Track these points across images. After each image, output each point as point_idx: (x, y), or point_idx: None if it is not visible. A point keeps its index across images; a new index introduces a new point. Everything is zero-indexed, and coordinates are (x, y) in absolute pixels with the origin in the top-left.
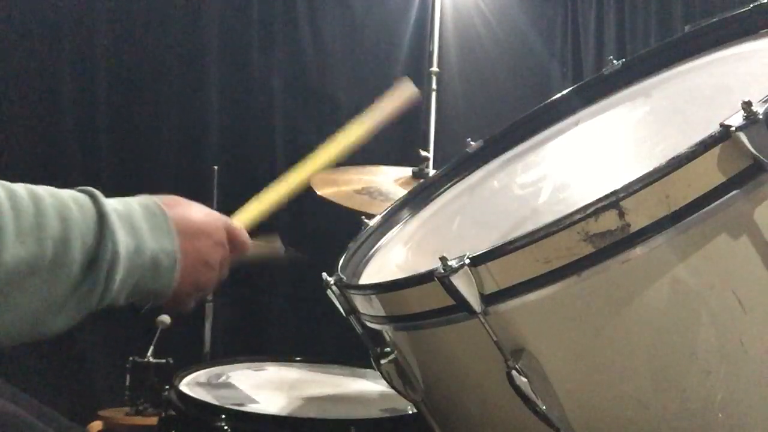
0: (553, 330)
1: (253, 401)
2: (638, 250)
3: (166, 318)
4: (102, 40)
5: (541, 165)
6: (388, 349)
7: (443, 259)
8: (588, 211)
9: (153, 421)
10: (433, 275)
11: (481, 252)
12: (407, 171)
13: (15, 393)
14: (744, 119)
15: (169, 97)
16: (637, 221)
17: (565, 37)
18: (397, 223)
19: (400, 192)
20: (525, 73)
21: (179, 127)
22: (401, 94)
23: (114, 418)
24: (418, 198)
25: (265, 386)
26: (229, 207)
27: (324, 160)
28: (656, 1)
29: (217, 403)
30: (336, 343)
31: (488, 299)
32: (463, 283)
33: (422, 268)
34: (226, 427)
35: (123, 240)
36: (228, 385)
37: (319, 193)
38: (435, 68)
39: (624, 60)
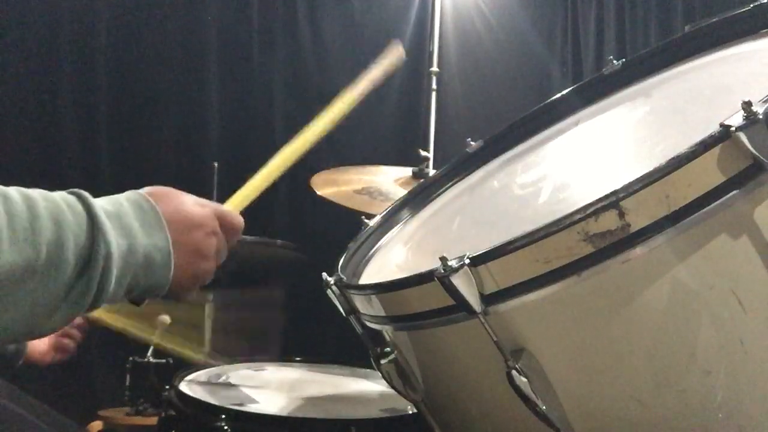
0: (553, 330)
1: (253, 401)
2: (638, 250)
3: (166, 318)
4: (102, 39)
5: (541, 165)
6: (388, 349)
7: (443, 259)
8: (588, 211)
9: (153, 421)
10: (433, 275)
11: (481, 252)
12: (407, 171)
13: (15, 393)
14: (744, 119)
15: (169, 95)
16: (637, 221)
17: (565, 37)
18: (397, 223)
19: (400, 192)
20: (525, 73)
21: (179, 125)
22: (389, 57)
23: (114, 418)
24: (418, 198)
25: (265, 386)
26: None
27: (314, 135)
28: (656, 1)
29: (217, 403)
30: (336, 343)
31: (488, 299)
32: (463, 283)
33: (422, 268)
34: (226, 427)
35: (115, 240)
36: (228, 385)
37: (319, 193)
38: (435, 68)
39: (624, 60)
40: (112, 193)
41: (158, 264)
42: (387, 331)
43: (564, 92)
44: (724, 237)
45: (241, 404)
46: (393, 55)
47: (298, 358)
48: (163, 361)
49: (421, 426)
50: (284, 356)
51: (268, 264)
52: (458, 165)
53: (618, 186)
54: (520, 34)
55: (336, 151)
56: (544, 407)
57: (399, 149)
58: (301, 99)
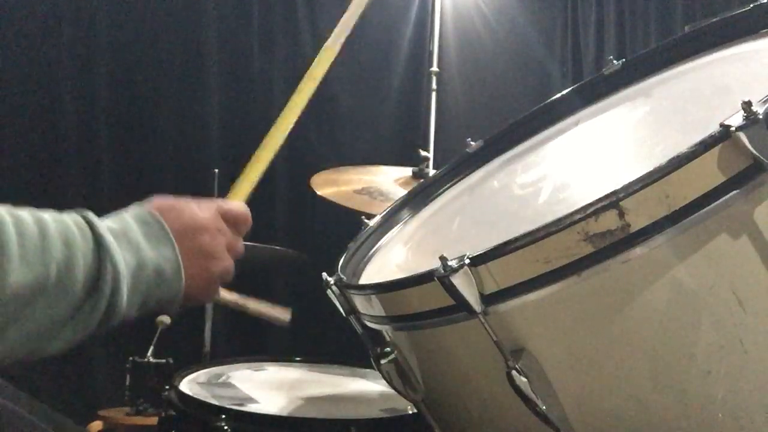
0: (553, 330)
1: (253, 401)
2: (638, 250)
3: (166, 318)
4: (102, 40)
5: (541, 165)
6: (388, 349)
7: (443, 259)
8: (588, 211)
9: (153, 421)
10: (433, 275)
11: (481, 252)
12: (407, 171)
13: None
14: (744, 119)
15: (169, 98)
16: (637, 221)
17: (565, 37)
18: (397, 223)
19: (400, 192)
20: (525, 73)
21: (179, 130)
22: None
23: (114, 418)
24: (418, 198)
25: (265, 386)
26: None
27: (301, 101)
28: (656, 1)
29: (217, 403)
30: (336, 343)
31: (488, 299)
32: (463, 283)
33: (422, 268)
34: (226, 427)
35: (122, 258)
36: (228, 385)
37: (319, 193)
38: (435, 68)
39: (624, 60)
40: (113, 198)
41: (169, 275)
42: (387, 331)
43: (564, 92)
44: (724, 237)
45: (241, 404)
46: None
47: (298, 358)
48: (163, 361)
49: (421, 426)
50: (284, 356)
51: (268, 264)
52: (458, 165)
53: (618, 186)
54: (520, 34)
55: (336, 151)
56: (544, 407)
57: (399, 149)
58: None
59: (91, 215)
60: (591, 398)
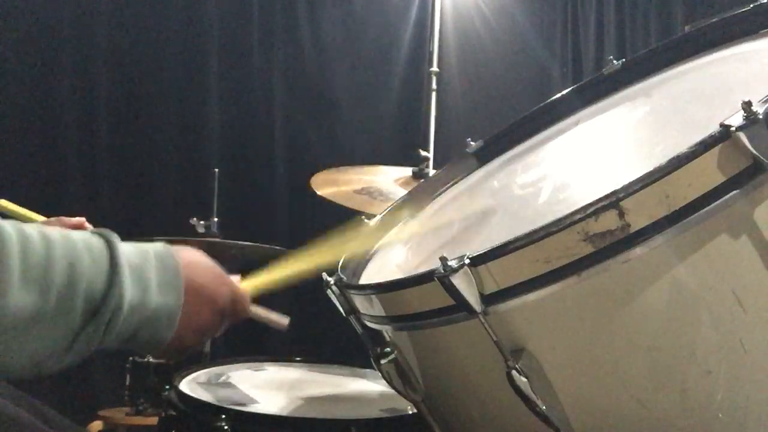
0: (553, 330)
1: (253, 401)
2: (638, 250)
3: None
4: (102, 40)
5: (541, 165)
6: (388, 349)
7: (443, 259)
8: (588, 211)
9: (153, 421)
10: (433, 275)
11: (481, 252)
12: (407, 171)
13: (15, 393)
14: (744, 119)
15: (170, 98)
16: (637, 221)
17: (565, 37)
18: (397, 223)
19: (400, 192)
20: (525, 73)
21: (179, 129)
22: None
23: (114, 418)
24: (418, 198)
25: (265, 386)
26: (229, 208)
27: (339, 254)
28: (656, 1)
29: (217, 403)
30: (336, 343)
31: (488, 299)
32: (463, 283)
33: (422, 268)
34: (226, 427)
35: (129, 292)
36: (228, 385)
37: (319, 193)
38: (435, 68)
39: (624, 60)
40: (113, 197)
41: (162, 324)
42: (387, 331)
43: (564, 92)
44: (724, 237)
45: (241, 404)
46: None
47: (298, 358)
48: (163, 361)
49: (421, 426)
50: (284, 356)
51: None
52: (458, 165)
53: (618, 186)
54: (520, 35)
55: (336, 151)
56: (544, 407)
57: (399, 149)
58: (301, 99)
59: (112, 238)
60: (591, 398)
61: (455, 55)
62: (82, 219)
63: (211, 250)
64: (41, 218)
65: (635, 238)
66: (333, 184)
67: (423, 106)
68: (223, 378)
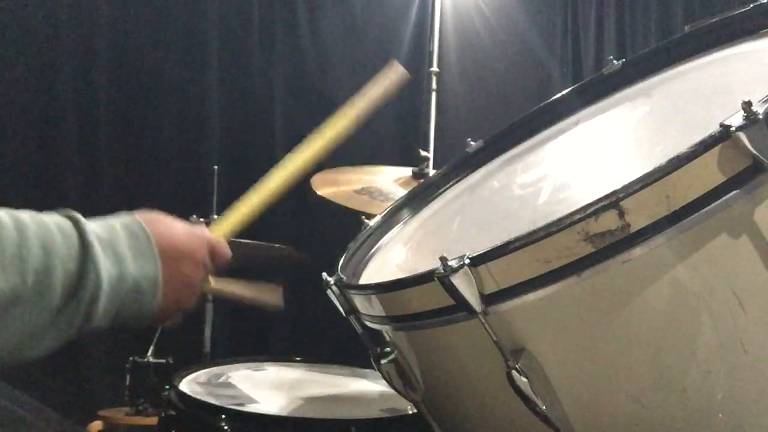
0: (553, 330)
1: (253, 401)
2: (638, 250)
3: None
4: (102, 39)
5: (541, 165)
6: (388, 349)
7: (443, 259)
8: (588, 211)
9: (153, 421)
10: (433, 275)
11: (481, 252)
12: (407, 171)
13: (15, 393)
14: (744, 119)
15: (170, 96)
16: (637, 221)
17: (565, 37)
18: (397, 223)
19: (400, 192)
20: (525, 73)
21: (179, 127)
22: (390, 77)
23: (114, 418)
24: (418, 198)
25: (265, 386)
26: (229, 206)
27: (309, 158)
28: (656, 1)
29: (217, 403)
30: (336, 343)
31: (488, 299)
32: (463, 283)
33: (422, 268)
34: (226, 427)
35: (106, 269)
36: (228, 385)
37: (319, 193)
38: (435, 68)
39: (624, 60)
40: (113, 195)
41: (146, 292)
42: (387, 331)
43: (564, 92)
44: (724, 237)
45: (241, 404)
46: (393, 74)
47: (298, 358)
48: (163, 361)
49: (421, 426)
50: (284, 356)
51: (268, 264)
52: (458, 165)
53: (618, 186)
54: (520, 34)
55: (336, 151)
56: (544, 407)
57: (399, 149)
58: (301, 99)
59: (79, 218)
60: (591, 398)
61: (455, 55)
62: None
63: None
64: None
65: (635, 238)
66: (333, 184)
67: (423, 106)
68: (223, 378)
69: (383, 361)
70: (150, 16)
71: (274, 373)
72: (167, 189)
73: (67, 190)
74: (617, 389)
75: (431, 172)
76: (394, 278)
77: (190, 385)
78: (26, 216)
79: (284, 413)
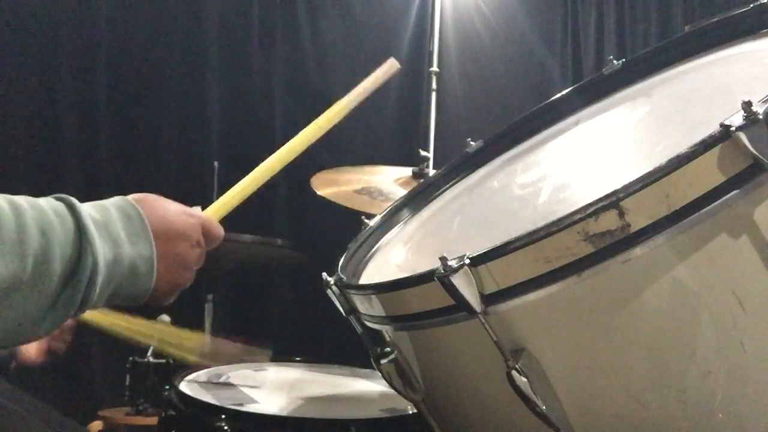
0: (553, 330)
1: (253, 401)
2: (638, 250)
3: (166, 318)
4: (102, 39)
5: (541, 165)
6: (388, 349)
7: (443, 259)
8: (588, 211)
9: (153, 421)
10: (433, 275)
11: (481, 252)
12: (407, 171)
13: (15, 392)
14: (744, 119)
15: (170, 95)
16: (637, 221)
17: (565, 37)
18: (397, 223)
19: (400, 192)
20: (525, 73)
21: (180, 125)
22: (384, 71)
23: (114, 418)
24: (418, 198)
25: (265, 386)
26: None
27: (302, 143)
28: (656, 1)
29: (217, 403)
30: (336, 343)
31: (488, 299)
32: (463, 283)
33: (422, 268)
34: (226, 427)
35: (101, 250)
36: (228, 385)
37: (319, 193)
38: (435, 68)
39: (624, 60)
40: (113, 193)
41: (142, 273)
42: (387, 331)
43: (564, 92)
44: (724, 237)
45: (241, 404)
46: (387, 67)
47: (298, 358)
48: (163, 361)
49: (421, 426)
50: (284, 356)
51: (268, 264)
52: (458, 165)
53: (618, 186)
54: (520, 34)
55: (336, 151)
56: (544, 407)
57: (399, 149)
58: (301, 99)
59: (74, 201)
60: (591, 398)
61: (455, 55)
62: None
63: None
64: None
65: (635, 238)
66: (333, 184)
67: (423, 106)
68: (223, 378)
69: (383, 361)
70: (150, 16)
71: (274, 373)
72: (167, 187)
73: (67, 189)
74: (617, 389)
75: (431, 172)
76: (394, 278)
77: (190, 385)
78: (22, 200)
79: (284, 413)
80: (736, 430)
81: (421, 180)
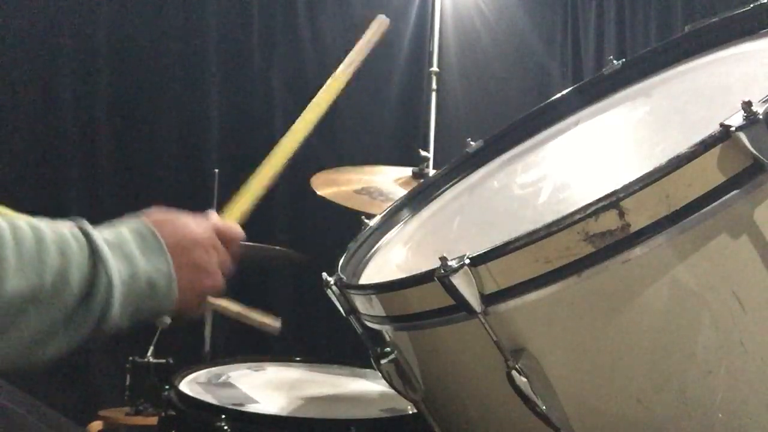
0: (553, 330)
1: (253, 401)
2: (638, 250)
3: (165, 318)
4: (102, 40)
5: (541, 165)
6: (388, 349)
7: (443, 259)
8: (588, 211)
9: (153, 421)
10: (433, 275)
11: (481, 252)
12: (407, 171)
13: (14, 393)
14: (744, 119)
15: (170, 98)
16: (637, 221)
17: (565, 37)
18: (397, 223)
19: (400, 192)
20: (525, 73)
21: (180, 130)
22: (374, 31)
23: (114, 418)
24: (418, 198)
25: (265, 386)
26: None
27: (307, 125)
28: (656, 1)
29: (217, 403)
30: (336, 343)
31: (488, 299)
32: (463, 283)
33: (422, 268)
34: (226, 427)
35: (116, 269)
36: (228, 385)
37: (319, 193)
38: (435, 68)
39: (624, 60)
40: (113, 198)
41: (162, 287)
42: (387, 331)
43: (564, 92)
44: (724, 237)
45: (241, 404)
46: (377, 26)
47: (298, 358)
48: (163, 361)
49: (421, 426)
50: (284, 356)
51: (269, 264)
52: (458, 165)
53: (618, 186)
54: (520, 34)
55: (336, 151)
56: (544, 407)
57: (399, 149)
58: (301, 100)
59: (87, 225)
60: (591, 398)
61: (455, 55)
62: None
63: None
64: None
65: (635, 238)
66: (333, 184)
67: (423, 106)
68: (223, 378)
69: (383, 361)
70: (150, 16)
71: (274, 373)
72: (168, 192)
73: (67, 193)
74: (617, 389)
75: (431, 172)
76: (394, 278)
77: (190, 385)
78: (42, 223)
79: (284, 413)
80: (736, 430)
81: (421, 180)
